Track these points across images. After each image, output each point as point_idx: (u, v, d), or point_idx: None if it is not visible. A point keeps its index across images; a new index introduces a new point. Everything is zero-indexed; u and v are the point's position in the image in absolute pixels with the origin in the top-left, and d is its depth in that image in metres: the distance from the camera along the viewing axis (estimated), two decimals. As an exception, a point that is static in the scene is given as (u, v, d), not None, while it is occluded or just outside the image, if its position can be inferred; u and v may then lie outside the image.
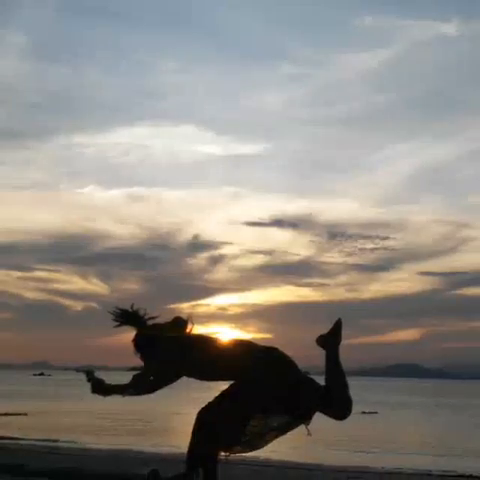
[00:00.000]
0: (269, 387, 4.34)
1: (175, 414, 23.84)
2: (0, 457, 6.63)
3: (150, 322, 4.64)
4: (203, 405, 4.53)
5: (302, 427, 4.51)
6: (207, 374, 4.57)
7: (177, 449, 9.99)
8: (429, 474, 9.60)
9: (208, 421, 4.39)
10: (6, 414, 20.77)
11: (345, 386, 4.47)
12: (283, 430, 4.49)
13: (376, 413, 27.39)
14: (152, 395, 4.68)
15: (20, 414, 21.20)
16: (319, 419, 4.55)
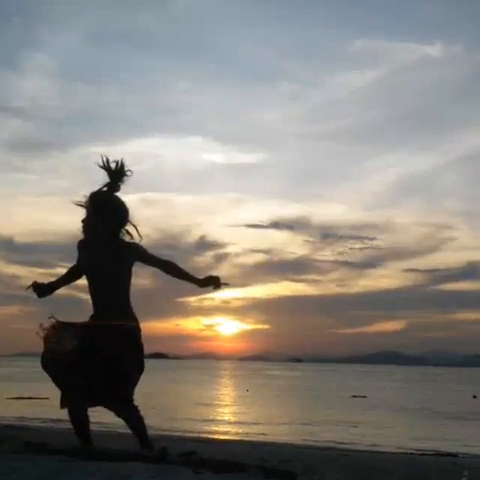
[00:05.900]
0: None
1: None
2: (25, 436, 6.61)
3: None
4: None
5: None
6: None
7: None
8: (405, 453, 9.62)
9: None
10: (29, 398, 20.75)
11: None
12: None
13: (365, 397, 27.30)
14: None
15: (42, 398, 21.15)
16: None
